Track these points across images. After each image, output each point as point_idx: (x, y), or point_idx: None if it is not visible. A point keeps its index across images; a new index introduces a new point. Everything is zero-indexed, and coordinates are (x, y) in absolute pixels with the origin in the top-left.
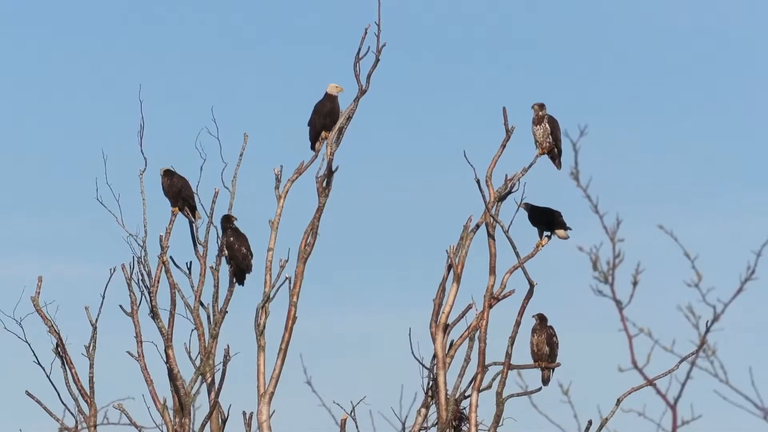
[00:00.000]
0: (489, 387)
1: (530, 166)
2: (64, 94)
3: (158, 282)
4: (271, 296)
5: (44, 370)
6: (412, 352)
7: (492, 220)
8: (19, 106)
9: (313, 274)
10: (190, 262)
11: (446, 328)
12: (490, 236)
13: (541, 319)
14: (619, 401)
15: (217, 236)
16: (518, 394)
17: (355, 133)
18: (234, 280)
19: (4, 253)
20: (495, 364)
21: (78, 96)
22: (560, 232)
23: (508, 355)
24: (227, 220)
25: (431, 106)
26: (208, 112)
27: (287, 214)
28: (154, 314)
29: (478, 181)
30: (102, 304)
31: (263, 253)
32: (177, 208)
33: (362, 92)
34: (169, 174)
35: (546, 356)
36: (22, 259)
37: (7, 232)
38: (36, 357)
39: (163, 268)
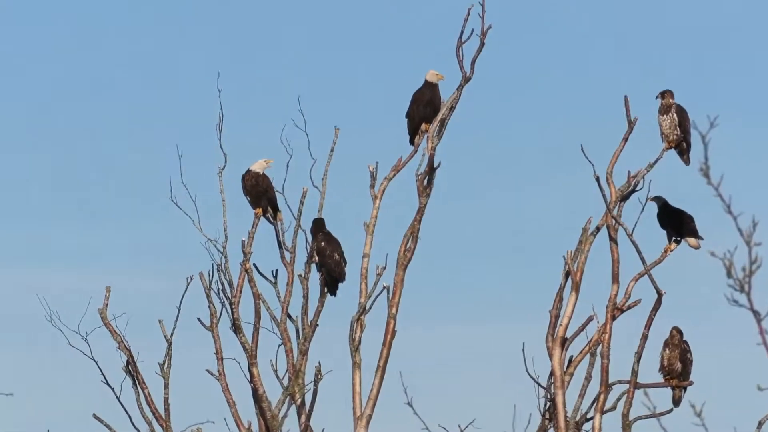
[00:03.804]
0: (613, 408)
1: (656, 162)
2: (132, 82)
3: (241, 292)
4: (367, 308)
5: (113, 390)
6: (527, 370)
7: (614, 221)
8: (79, 99)
9: (414, 282)
10: (276, 270)
11: (564, 342)
12: (612, 240)
13: (679, 333)
14: (760, 424)
15: (306, 241)
16: (646, 416)
17: (459, 125)
18: (325, 290)
19: (68, 263)
20: (620, 382)
21: (148, 86)
22: (691, 240)
23: (635, 373)
24: (317, 224)
25: (544, 95)
26: (295, 103)
27: (384, 216)
28: (236, 328)
29: (597, 179)
30: (178, 316)
31: (358, 260)
32: (261, 210)
33: (466, 79)
34: (252, 173)
35: (678, 373)
36: (88, 268)
37: (71, 240)
38: (104, 376)
39: (246, 276)
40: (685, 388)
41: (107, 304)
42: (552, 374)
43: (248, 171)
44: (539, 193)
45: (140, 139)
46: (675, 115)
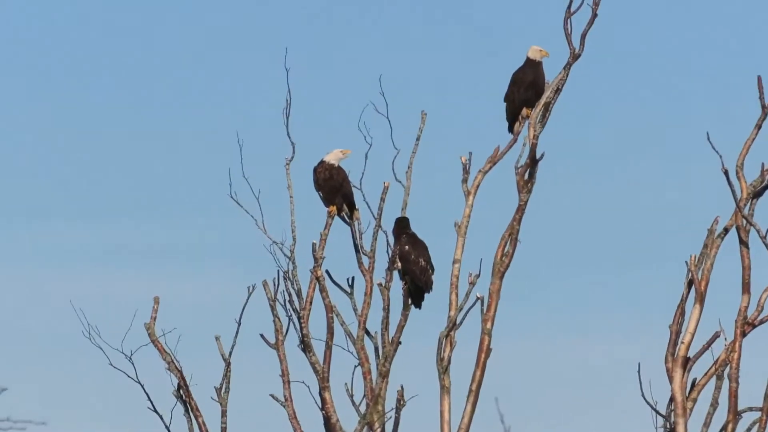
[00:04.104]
0: None
1: None
2: (185, 60)
3: (311, 304)
4: (457, 322)
5: (162, 419)
6: (642, 394)
7: (745, 222)
8: (120, 80)
9: (512, 292)
10: (353, 278)
11: (687, 362)
12: (743, 243)
13: None
14: None
15: (388, 244)
16: None
17: (566, 110)
18: (409, 302)
19: (109, 269)
20: (751, 409)
21: (203, 64)
22: None
23: None
24: (401, 224)
25: (663, 75)
26: (375, 83)
27: (478, 216)
28: (305, 346)
29: (726, 172)
30: (237, 332)
31: (447, 266)
32: (335, 208)
33: (574, 57)
34: (326, 165)
35: None
36: (133, 275)
37: (112, 243)
38: (151, 402)
39: (317, 285)
40: None
41: (155, 318)
42: (672, 400)
43: (321, 162)
44: (657, 188)
45: (193, 124)
46: None
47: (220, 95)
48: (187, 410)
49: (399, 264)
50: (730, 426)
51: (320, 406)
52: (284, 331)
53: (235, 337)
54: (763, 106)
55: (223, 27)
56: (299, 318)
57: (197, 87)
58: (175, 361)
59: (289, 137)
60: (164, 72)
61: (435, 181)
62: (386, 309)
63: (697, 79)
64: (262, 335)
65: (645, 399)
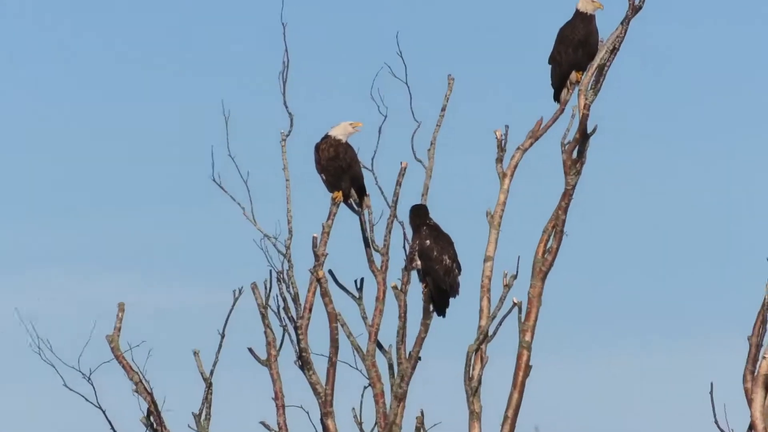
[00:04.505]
0: None
1: None
2: (156, 11)
3: (310, 311)
4: (490, 333)
5: None
6: (716, 420)
7: None
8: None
9: (554, 296)
10: (362, 280)
11: None
12: None
13: None
14: None
15: (405, 238)
16: None
17: (624, 74)
18: (431, 309)
19: (61, 270)
20: None
21: (177, 17)
22: None
23: None
24: (420, 213)
25: (741, 32)
26: (392, 42)
27: (515, 203)
28: (303, 363)
29: None
30: (220, 346)
31: (477, 265)
32: (340, 194)
33: (634, 9)
34: (331, 141)
35: None
36: (90, 277)
37: (63, 238)
38: (114, 431)
39: (318, 288)
40: None
41: (120, 329)
42: (752, 428)
43: (325, 138)
44: (731, 170)
45: (167, 91)
46: None
47: (200, 56)
48: None
49: (418, 262)
50: None
51: None
52: (278, 344)
53: (218, 351)
54: None
55: None
56: (296, 328)
57: (170, 46)
58: (144, 381)
59: (286, 107)
60: (127, 27)
61: (463, 160)
62: (403, 317)
63: None
64: (250, 349)
65: (719, 426)
